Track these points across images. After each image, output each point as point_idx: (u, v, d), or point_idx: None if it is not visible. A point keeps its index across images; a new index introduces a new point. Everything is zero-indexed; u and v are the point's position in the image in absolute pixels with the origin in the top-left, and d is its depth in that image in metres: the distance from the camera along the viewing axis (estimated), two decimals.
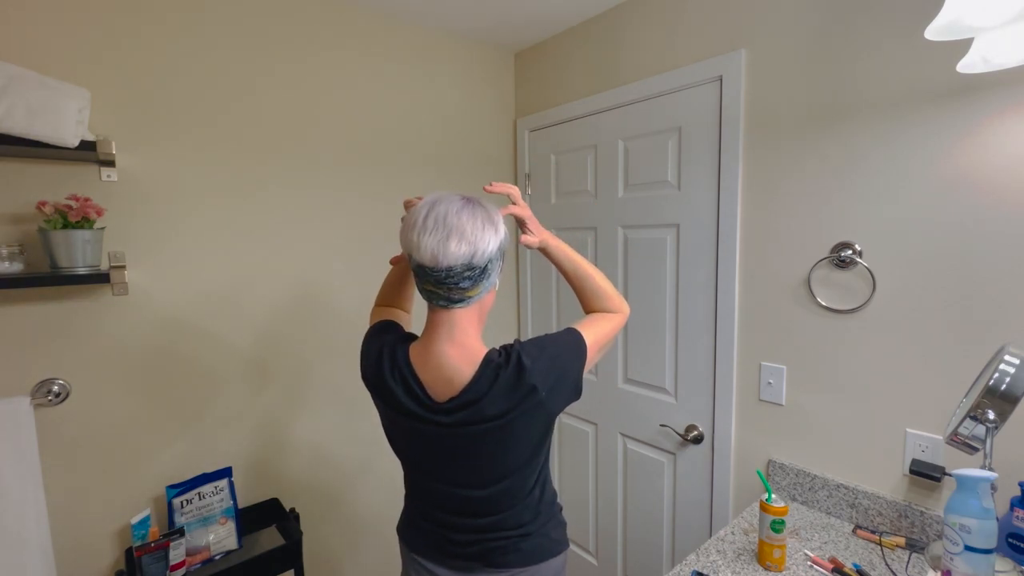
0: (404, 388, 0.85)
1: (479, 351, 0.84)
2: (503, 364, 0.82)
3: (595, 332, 0.92)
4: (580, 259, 1.00)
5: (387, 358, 0.88)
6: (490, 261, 0.80)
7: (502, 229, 0.82)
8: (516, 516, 0.92)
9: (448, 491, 0.90)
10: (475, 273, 0.79)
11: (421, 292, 0.84)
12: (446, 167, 1.88)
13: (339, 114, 1.61)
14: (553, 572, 0.96)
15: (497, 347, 0.86)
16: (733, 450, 1.43)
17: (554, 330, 1.95)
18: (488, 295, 0.86)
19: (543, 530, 0.96)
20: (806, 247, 1.25)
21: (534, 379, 0.80)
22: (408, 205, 0.92)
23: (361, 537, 1.75)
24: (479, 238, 0.77)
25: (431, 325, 0.86)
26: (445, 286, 0.79)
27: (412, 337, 0.92)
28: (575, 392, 0.88)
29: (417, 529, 0.98)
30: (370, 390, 0.92)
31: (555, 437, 2.01)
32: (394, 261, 1.04)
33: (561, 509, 1.03)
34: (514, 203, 0.94)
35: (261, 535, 1.49)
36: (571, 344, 0.88)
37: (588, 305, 1.01)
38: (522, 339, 0.89)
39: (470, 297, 0.81)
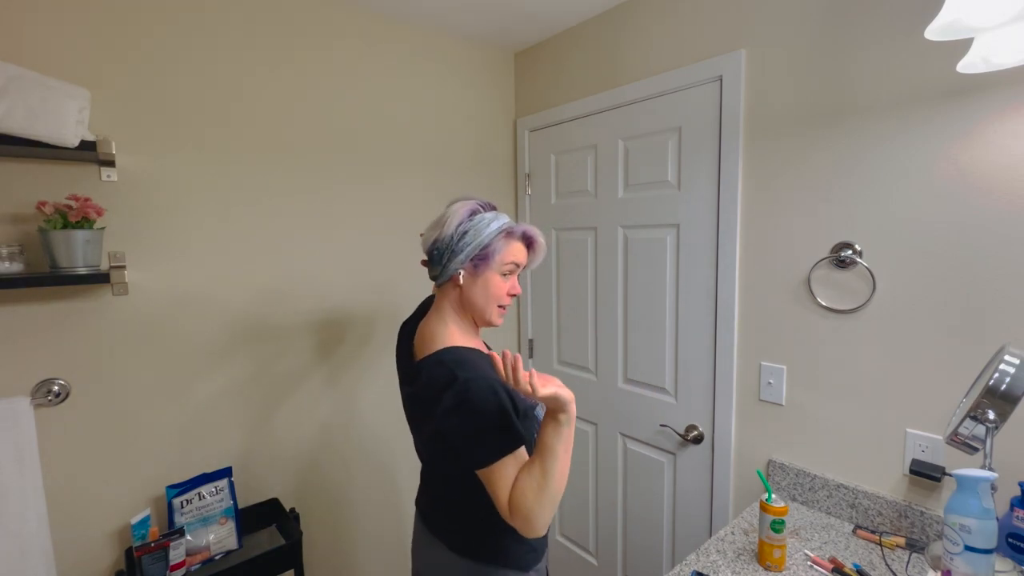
0: (403, 358, 1.04)
1: (444, 340, 0.94)
2: (440, 363, 0.89)
3: (503, 471, 0.81)
4: (558, 461, 0.80)
5: (404, 335, 1.08)
6: (441, 251, 0.94)
7: (451, 227, 0.93)
8: (444, 503, 1.02)
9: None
10: (432, 256, 0.97)
11: None
12: (446, 167, 1.88)
13: (338, 113, 1.61)
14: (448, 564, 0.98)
15: (454, 360, 0.89)
16: (733, 450, 1.43)
17: (553, 328, 1.97)
18: (450, 285, 0.98)
19: (471, 542, 0.96)
20: (806, 247, 1.25)
21: (431, 393, 0.87)
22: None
23: (361, 537, 1.75)
24: (440, 229, 0.94)
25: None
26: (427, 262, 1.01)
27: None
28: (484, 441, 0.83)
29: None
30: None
31: None
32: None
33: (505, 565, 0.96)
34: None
35: (261, 535, 1.49)
36: (485, 424, 0.81)
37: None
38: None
39: (435, 277, 0.99)
